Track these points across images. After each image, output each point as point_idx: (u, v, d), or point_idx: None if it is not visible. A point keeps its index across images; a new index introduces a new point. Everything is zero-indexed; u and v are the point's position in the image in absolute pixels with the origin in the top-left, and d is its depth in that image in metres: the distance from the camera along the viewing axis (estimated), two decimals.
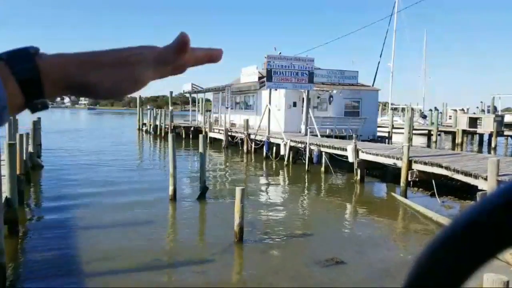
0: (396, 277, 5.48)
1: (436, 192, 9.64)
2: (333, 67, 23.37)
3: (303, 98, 19.80)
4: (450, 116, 31.35)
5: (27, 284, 5.41)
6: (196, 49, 0.41)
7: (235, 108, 25.06)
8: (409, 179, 10.35)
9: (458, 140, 24.55)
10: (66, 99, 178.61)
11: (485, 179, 7.86)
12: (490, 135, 23.57)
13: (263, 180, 13.67)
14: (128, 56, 0.38)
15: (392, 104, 37.39)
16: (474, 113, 30.73)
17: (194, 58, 0.41)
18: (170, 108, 31.46)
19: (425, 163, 10.17)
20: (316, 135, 16.70)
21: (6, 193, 6.82)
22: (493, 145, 22.95)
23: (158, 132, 29.35)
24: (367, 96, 21.99)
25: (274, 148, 16.93)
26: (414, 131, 24.09)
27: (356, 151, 12.38)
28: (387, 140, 22.72)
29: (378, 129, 22.66)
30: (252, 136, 18.79)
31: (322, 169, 14.01)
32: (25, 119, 19.17)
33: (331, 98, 21.31)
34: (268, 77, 18.01)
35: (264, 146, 17.29)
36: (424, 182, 10.60)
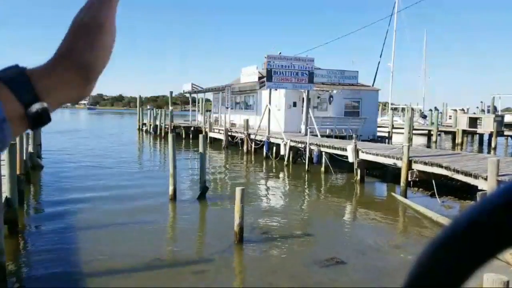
0: (396, 277, 5.48)
1: (436, 192, 9.64)
2: (333, 67, 23.40)
3: (303, 98, 19.80)
4: (450, 116, 31.35)
5: (27, 284, 5.41)
6: None
7: (235, 108, 25.06)
8: (409, 179, 10.35)
9: (458, 140, 24.55)
10: None
11: (485, 179, 7.86)
12: (490, 135, 23.57)
13: (263, 180, 13.67)
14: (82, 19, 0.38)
15: (392, 104, 37.39)
16: (474, 113, 30.73)
17: None
18: (170, 108, 31.45)
19: (425, 163, 10.17)
20: (316, 135, 16.70)
21: (6, 193, 6.81)
22: (493, 145, 22.95)
23: (158, 132, 29.35)
24: (367, 96, 21.99)
25: (274, 148, 16.93)
26: (414, 131, 24.10)
27: (356, 151, 12.38)
28: (387, 140, 22.72)
29: (378, 129, 22.66)
30: (252, 136, 18.79)
31: (322, 169, 14.01)
32: None
33: (331, 98, 21.31)
34: (268, 77, 18.01)
35: (264, 146, 17.29)
36: (424, 182, 10.60)
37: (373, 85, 25.76)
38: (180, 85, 34.09)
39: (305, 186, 12.96)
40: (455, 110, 31.05)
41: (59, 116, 74.52)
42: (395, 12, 35.58)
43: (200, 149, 10.56)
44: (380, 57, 35.08)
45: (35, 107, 0.35)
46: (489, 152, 20.85)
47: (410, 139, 13.83)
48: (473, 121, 24.71)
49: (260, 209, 9.32)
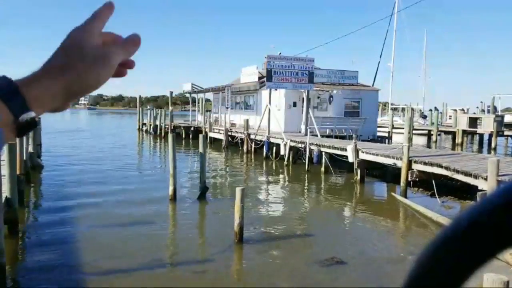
0: (396, 277, 5.47)
1: (436, 192, 9.64)
2: (333, 67, 23.40)
3: (303, 98, 19.80)
4: (450, 116, 31.35)
5: (27, 284, 5.41)
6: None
7: (235, 108, 25.06)
8: (409, 179, 10.35)
9: (458, 140, 24.54)
10: None
11: (485, 179, 7.86)
12: (490, 135, 23.57)
13: (263, 180, 13.67)
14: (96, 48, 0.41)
15: (392, 104, 37.39)
16: (474, 113, 30.73)
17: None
18: (170, 108, 31.45)
19: (425, 163, 10.17)
20: (316, 135, 16.70)
21: (6, 193, 6.81)
22: (493, 145, 22.95)
23: (158, 132, 29.35)
24: (367, 96, 21.99)
25: (274, 148, 16.93)
26: (414, 131, 24.09)
27: (356, 151, 12.38)
28: (387, 140, 22.72)
29: (378, 129, 22.66)
30: (252, 136, 18.79)
31: (322, 169, 14.01)
32: None
33: (331, 98, 21.31)
34: (268, 77, 18.01)
35: (264, 146, 17.29)
36: (424, 182, 10.60)
37: (373, 85, 25.76)
38: (180, 85, 34.14)
39: (305, 186, 12.96)
40: (455, 110, 31.05)
41: (60, 116, 74.47)
42: (395, 12, 35.61)
43: (200, 149, 10.56)
44: (380, 57, 35.11)
45: (25, 116, 0.37)
46: (489, 152, 20.85)
47: (410, 139, 13.84)
48: (473, 121, 24.71)
49: (260, 209, 9.32)
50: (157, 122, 30.25)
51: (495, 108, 32.07)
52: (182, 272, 5.76)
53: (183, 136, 26.28)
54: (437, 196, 9.64)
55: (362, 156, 12.36)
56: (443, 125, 29.72)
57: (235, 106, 25.57)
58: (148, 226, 7.73)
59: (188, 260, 6.12)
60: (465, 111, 33.10)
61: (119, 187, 11.38)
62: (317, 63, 20.17)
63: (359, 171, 12.42)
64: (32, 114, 0.38)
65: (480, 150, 23.19)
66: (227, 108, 22.96)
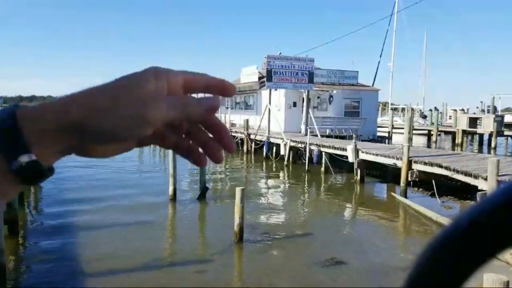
0: (396, 277, 5.47)
1: (436, 192, 9.64)
2: (333, 67, 23.39)
3: (303, 98, 19.80)
4: (450, 116, 31.37)
5: (27, 284, 5.41)
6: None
7: (235, 108, 25.07)
8: (409, 179, 10.35)
9: (458, 140, 24.55)
10: None
11: (485, 179, 7.86)
12: (490, 135, 23.57)
13: (263, 180, 13.67)
14: (136, 87, 0.29)
15: (392, 104, 37.41)
16: (474, 113, 30.75)
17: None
18: None
19: (425, 163, 10.17)
20: (316, 135, 16.70)
21: None
22: (493, 145, 22.96)
23: None
24: (367, 96, 22.00)
25: (274, 148, 16.93)
26: (414, 131, 24.11)
27: (356, 151, 12.38)
28: (387, 140, 22.72)
29: (378, 129, 22.67)
30: (252, 136, 18.79)
31: (322, 169, 14.01)
32: None
33: (331, 98, 21.31)
34: (268, 77, 18.01)
35: (264, 146, 17.29)
36: (424, 182, 10.60)
37: (373, 85, 25.76)
38: None
39: (305, 186, 12.96)
40: (455, 110, 31.07)
41: None
42: (395, 12, 35.63)
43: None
44: (380, 57, 35.15)
45: (23, 159, 0.27)
46: (489, 152, 20.85)
47: (410, 139, 13.85)
48: (473, 121, 24.72)
49: (260, 209, 9.32)
50: None
51: (495, 108, 32.08)
52: (182, 272, 5.76)
53: None
54: (437, 196, 9.64)
55: (362, 156, 12.36)
56: (443, 125, 29.74)
57: (235, 106, 25.57)
58: (148, 226, 7.73)
59: (188, 260, 6.12)
60: (465, 111, 33.12)
61: (119, 187, 11.37)
62: (317, 63, 20.19)
63: (359, 171, 12.42)
64: (32, 156, 0.28)
65: (480, 150, 23.19)
66: (227, 108, 22.97)
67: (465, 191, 9.59)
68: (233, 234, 6.74)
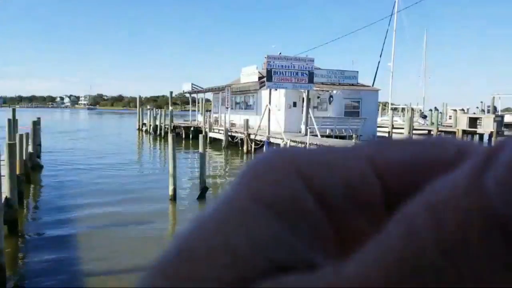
0: None
1: None
2: (333, 67, 23.41)
3: (303, 98, 19.80)
4: (450, 116, 31.41)
5: (26, 284, 5.40)
6: None
7: (235, 108, 25.07)
8: None
9: None
10: (66, 99, 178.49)
11: None
12: (490, 135, 23.60)
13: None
14: None
15: (392, 104, 37.44)
16: (474, 113, 30.79)
17: None
18: (170, 108, 31.47)
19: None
20: (316, 135, 16.70)
21: (6, 193, 6.81)
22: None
23: (158, 132, 29.37)
24: (367, 96, 22.01)
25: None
26: (414, 131, 24.09)
27: None
28: None
29: (378, 129, 22.68)
30: (252, 136, 18.79)
31: None
32: (24, 119, 19.15)
33: (331, 98, 21.32)
34: (268, 77, 18.01)
35: (264, 146, 17.30)
36: None
37: (373, 85, 25.78)
38: (180, 85, 34.14)
39: None
40: (455, 110, 31.10)
41: (59, 116, 74.55)
42: (395, 12, 35.65)
43: (200, 149, 10.56)
44: (380, 57, 35.16)
45: None
46: None
47: None
48: (473, 121, 24.75)
49: None
50: (157, 122, 30.26)
51: (495, 108, 32.10)
52: None
53: (183, 136, 26.29)
54: None
55: None
56: (443, 125, 29.78)
57: (235, 106, 25.58)
58: (148, 225, 7.72)
59: None
60: (465, 111, 33.16)
61: (119, 186, 11.37)
62: (317, 63, 20.20)
63: None
64: None
65: None
66: (227, 108, 22.97)
67: None
68: None
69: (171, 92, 36.21)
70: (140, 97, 37.76)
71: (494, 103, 32.30)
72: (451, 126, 27.84)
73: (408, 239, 0.09)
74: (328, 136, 18.03)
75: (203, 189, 10.05)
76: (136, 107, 38.35)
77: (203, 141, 10.60)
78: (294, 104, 20.85)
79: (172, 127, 26.37)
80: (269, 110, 18.28)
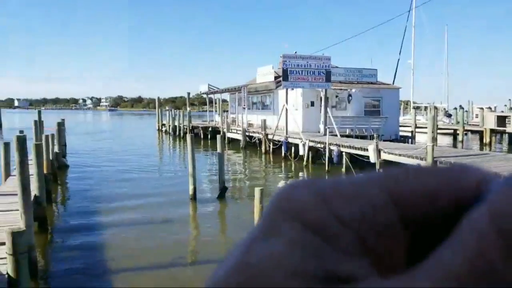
0: None
1: None
2: (351, 65, 22.92)
3: (321, 97, 19.51)
4: (477, 115, 30.02)
5: (56, 278, 5.59)
6: None
7: (252, 108, 25.06)
8: None
9: (486, 139, 23.44)
10: (88, 101, 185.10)
11: None
12: None
13: (282, 181, 13.54)
14: None
15: (414, 102, 36.25)
16: (502, 112, 29.28)
17: None
18: (188, 108, 31.89)
19: (451, 164, 9.73)
20: (336, 135, 16.40)
21: (34, 191, 7.08)
22: None
23: (177, 133, 29.83)
24: (388, 95, 21.40)
25: (293, 148, 16.77)
26: (438, 131, 23.22)
27: (378, 151, 12.05)
28: (410, 139, 22.00)
29: (401, 128, 21.98)
30: (270, 136, 18.70)
31: (343, 169, 13.72)
32: (50, 120, 19.94)
33: (350, 97, 20.88)
34: (284, 77, 17.85)
35: (282, 146, 17.16)
36: None
37: (393, 83, 25.05)
38: (197, 86, 34.56)
39: None
40: (482, 109, 29.71)
41: (82, 117, 77.30)
42: (413, 7, 34.48)
43: (218, 150, 10.59)
44: (400, 54, 34.12)
45: None
46: None
47: (434, 139, 13.32)
48: (502, 120, 23.53)
49: None
50: (176, 123, 30.73)
51: None
52: (204, 270, 5.77)
53: (201, 136, 26.56)
54: None
55: (384, 156, 12.01)
56: (470, 124, 28.48)
57: (252, 106, 25.56)
58: (170, 224, 7.84)
59: (210, 258, 6.11)
60: (493, 109, 31.59)
61: (141, 186, 11.60)
62: (334, 62, 19.83)
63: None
64: None
65: (510, 149, 22.01)
66: (244, 108, 22.98)
67: None
68: None
69: (189, 93, 36.79)
70: (158, 98, 38.48)
71: None
72: (477, 125, 26.58)
73: (478, 249, 0.10)
74: (348, 136, 17.66)
75: (223, 189, 10.08)
76: (155, 108, 39.13)
77: (221, 142, 10.62)
78: (312, 104, 20.57)
79: (190, 128, 26.69)
80: (286, 110, 18.12)
